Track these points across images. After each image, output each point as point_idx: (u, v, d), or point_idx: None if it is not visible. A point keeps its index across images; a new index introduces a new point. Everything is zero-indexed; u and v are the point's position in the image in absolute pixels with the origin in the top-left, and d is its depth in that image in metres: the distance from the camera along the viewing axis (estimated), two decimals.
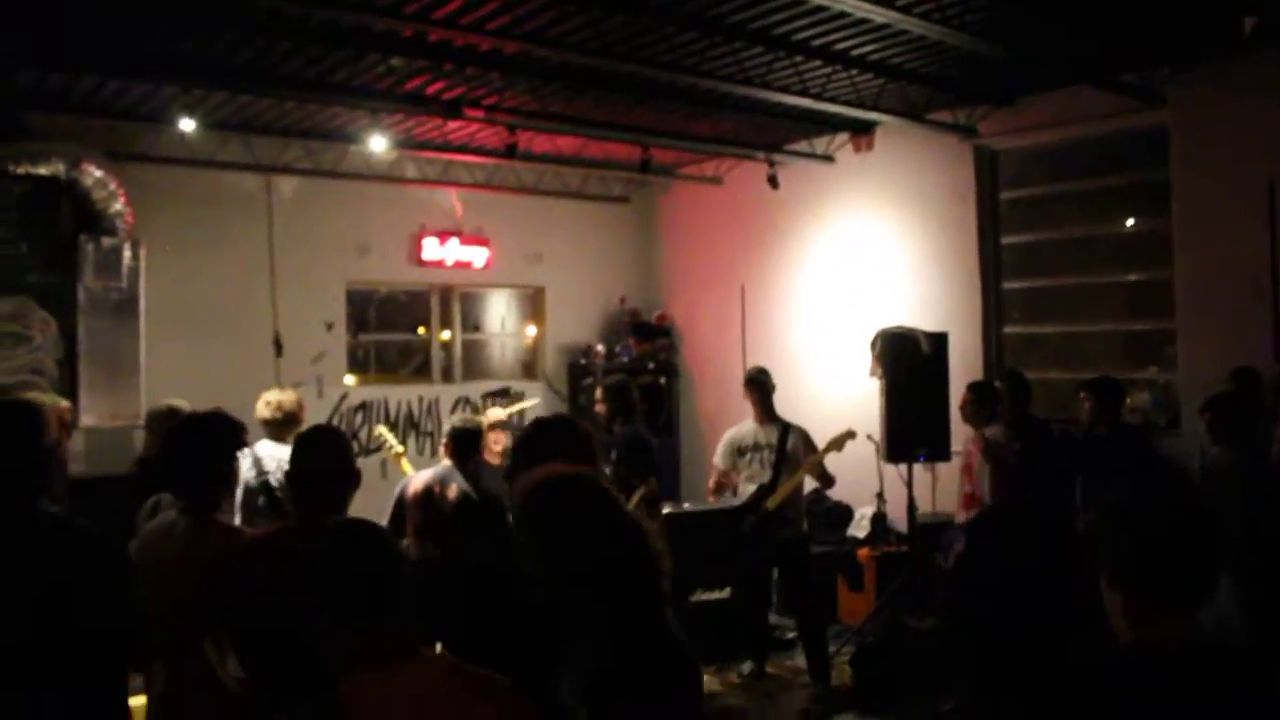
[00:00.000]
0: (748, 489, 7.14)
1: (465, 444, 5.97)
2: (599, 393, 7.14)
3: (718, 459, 7.40)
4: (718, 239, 11.25)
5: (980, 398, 7.18)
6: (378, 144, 8.32)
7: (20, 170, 7.93)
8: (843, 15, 6.33)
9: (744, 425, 7.35)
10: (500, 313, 11.83)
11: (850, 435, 7.06)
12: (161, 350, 8.61)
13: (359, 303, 10.63)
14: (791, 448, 7.07)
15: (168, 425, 5.05)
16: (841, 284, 10.03)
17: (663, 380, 11.48)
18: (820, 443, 7.12)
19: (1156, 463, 6.82)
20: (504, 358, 11.89)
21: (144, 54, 6.86)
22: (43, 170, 8.06)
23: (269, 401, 5.89)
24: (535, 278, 11.48)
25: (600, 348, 11.22)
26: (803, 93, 7.75)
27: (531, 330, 11.80)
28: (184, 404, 5.85)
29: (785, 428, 7.16)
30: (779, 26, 6.74)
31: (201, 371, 8.42)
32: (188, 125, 7.60)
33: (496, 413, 7.23)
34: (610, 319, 11.79)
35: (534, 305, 11.76)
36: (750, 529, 7.04)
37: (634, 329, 11.57)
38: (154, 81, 7.34)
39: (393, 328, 11.23)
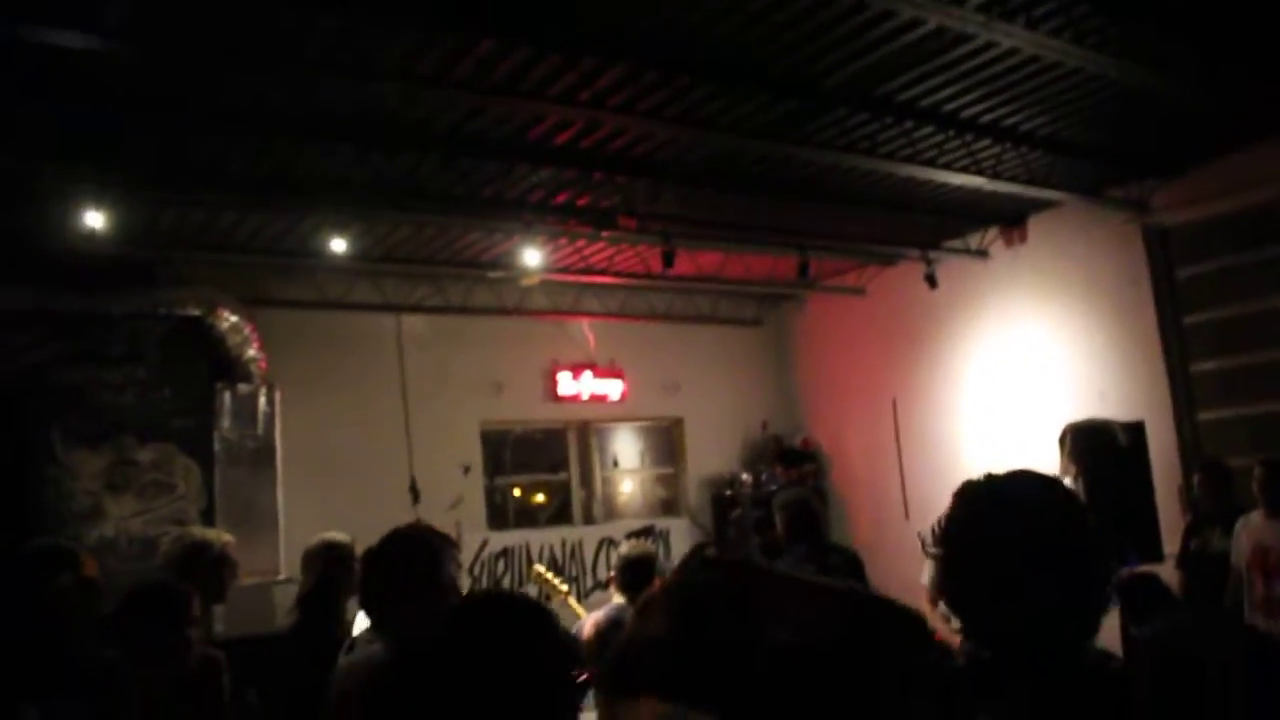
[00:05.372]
0: None
1: (636, 574, 5.20)
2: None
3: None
4: (860, 353, 10.62)
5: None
6: (532, 258, 7.88)
7: (161, 310, 7.64)
8: (1035, 59, 5.86)
9: None
10: (638, 447, 11.21)
11: None
12: (297, 501, 8.11)
13: (494, 444, 10.09)
14: None
15: (326, 558, 4.50)
16: (1007, 385, 9.30)
17: None
18: None
19: None
20: (643, 494, 11.22)
21: (290, 180, 6.62)
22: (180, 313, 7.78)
23: None
24: (673, 408, 10.89)
25: (746, 476, 10.55)
26: (977, 172, 7.27)
27: (670, 466, 11.16)
28: (341, 536, 5.29)
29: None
30: (949, 102, 6.39)
31: (339, 523, 7.81)
32: (339, 245, 7.24)
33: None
34: (753, 446, 11.11)
35: (672, 437, 11.15)
36: None
37: (779, 455, 10.85)
38: (304, 207, 7.04)
39: (529, 469, 10.64)
